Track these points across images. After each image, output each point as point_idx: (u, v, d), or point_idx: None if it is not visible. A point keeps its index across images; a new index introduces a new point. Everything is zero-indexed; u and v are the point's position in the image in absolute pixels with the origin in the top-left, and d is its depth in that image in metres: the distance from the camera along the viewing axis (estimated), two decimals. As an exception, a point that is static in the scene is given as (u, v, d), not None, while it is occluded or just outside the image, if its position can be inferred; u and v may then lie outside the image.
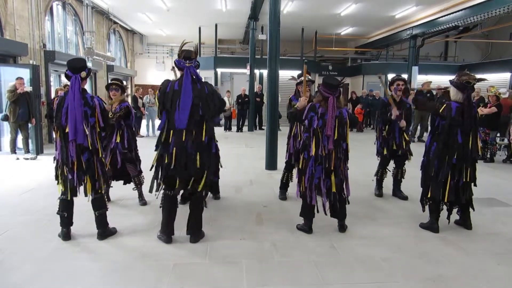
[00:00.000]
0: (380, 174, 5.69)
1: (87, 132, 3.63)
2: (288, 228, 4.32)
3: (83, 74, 3.69)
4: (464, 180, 4.12)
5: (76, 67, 3.69)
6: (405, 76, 16.53)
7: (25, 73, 8.81)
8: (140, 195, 5.13)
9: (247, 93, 14.66)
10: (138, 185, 5.06)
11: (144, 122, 12.78)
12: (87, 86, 14.52)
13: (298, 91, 5.46)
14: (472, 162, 4.17)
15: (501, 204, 5.46)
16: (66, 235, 3.88)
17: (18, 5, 9.79)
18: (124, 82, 5.42)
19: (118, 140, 4.76)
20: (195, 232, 3.89)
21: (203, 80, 3.76)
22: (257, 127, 14.92)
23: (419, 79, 15.59)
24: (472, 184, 4.24)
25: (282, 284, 3.12)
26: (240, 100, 14.51)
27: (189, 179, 3.68)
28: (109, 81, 5.00)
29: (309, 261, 3.52)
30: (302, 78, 4.98)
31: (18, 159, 8.23)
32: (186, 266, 3.38)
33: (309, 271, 3.33)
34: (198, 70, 3.75)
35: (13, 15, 9.59)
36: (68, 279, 3.12)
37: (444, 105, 4.08)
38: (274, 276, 3.24)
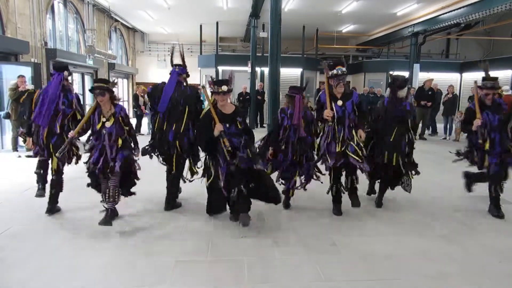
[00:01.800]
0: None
1: (58, 121, 4.36)
2: (289, 225, 4.32)
3: (66, 73, 4.38)
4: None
5: (60, 66, 4.48)
6: (406, 73, 16.63)
7: (27, 71, 8.81)
8: None
9: (248, 90, 14.66)
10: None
11: (145, 120, 12.78)
12: (88, 83, 14.53)
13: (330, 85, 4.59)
14: (399, 151, 4.69)
15: (503, 201, 5.44)
16: (42, 192, 4.55)
17: (19, 3, 9.80)
18: (114, 79, 5.11)
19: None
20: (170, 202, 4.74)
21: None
22: (258, 125, 14.93)
23: (421, 77, 15.56)
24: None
25: (283, 281, 3.12)
26: (241, 98, 14.51)
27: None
28: (94, 83, 4.33)
29: (310, 258, 3.52)
30: (334, 71, 4.43)
31: (20, 156, 8.24)
32: (188, 263, 3.39)
33: (310, 268, 3.34)
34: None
35: (14, 13, 9.59)
36: (70, 276, 3.14)
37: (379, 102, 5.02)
38: (275, 273, 3.25)
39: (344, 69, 4.46)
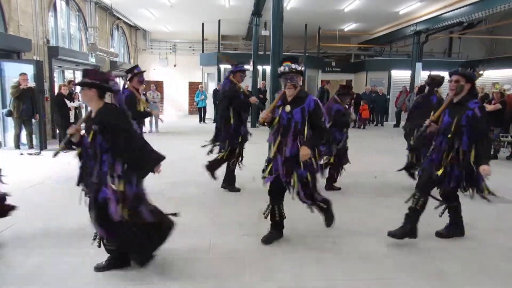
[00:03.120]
0: None
1: None
2: (291, 224, 4.32)
3: None
4: None
5: None
6: (408, 72, 16.60)
7: (29, 69, 8.81)
8: None
9: (250, 89, 14.66)
10: None
11: (147, 119, 12.79)
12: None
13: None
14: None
15: (504, 201, 5.44)
16: None
17: (22, 1, 9.81)
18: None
19: None
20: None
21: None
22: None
23: (423, 76, 15.53)
24: None
25: (284, 280, 3.13)
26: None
27: None
28: None
29: (311, 257, 3.53)
30: (281, 68, 3.59)
31: (22, 154, 8.27)
32: (189, 261, 3.40)
33: (311, 267, 3.35)
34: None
35: (17, 10, 9.60)
36: (71, 274, 3.15)
37: None
38: (277, 272, 3.26)
39: (293, 66, 3.55)
